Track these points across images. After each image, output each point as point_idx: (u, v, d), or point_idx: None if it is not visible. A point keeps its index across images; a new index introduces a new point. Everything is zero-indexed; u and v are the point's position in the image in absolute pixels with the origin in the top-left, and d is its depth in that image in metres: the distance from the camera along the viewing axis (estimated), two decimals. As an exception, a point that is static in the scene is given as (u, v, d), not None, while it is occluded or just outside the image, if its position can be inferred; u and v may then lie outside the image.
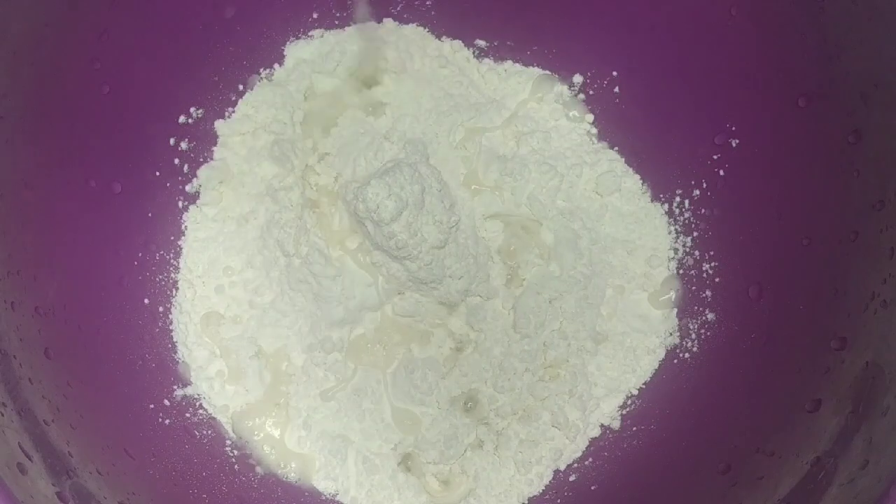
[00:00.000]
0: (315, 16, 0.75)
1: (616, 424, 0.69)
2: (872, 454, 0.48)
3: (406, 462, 0.67)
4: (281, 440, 0.67)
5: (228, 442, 0.67)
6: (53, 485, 0.49)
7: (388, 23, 0.76)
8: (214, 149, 0.73)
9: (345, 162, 0.72)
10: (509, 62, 0.77)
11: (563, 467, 0.68)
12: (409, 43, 0.75)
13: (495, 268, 0.71)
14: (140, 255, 0.69)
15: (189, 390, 0.67)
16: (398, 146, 0.71)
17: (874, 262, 0.55)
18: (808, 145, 0.62)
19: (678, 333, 0.70)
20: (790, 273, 0.63)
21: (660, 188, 0.73)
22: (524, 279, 0.70)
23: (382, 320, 0.70)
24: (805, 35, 0.60)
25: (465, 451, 0.67)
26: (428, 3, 0.76)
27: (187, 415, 0.66)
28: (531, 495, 0.67)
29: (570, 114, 0.76)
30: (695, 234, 0.71)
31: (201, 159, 0.73)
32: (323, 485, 0.66)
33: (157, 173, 0.70)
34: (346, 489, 0.66)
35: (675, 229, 0.72)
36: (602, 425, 0.69)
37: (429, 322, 0.69)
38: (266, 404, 0.67)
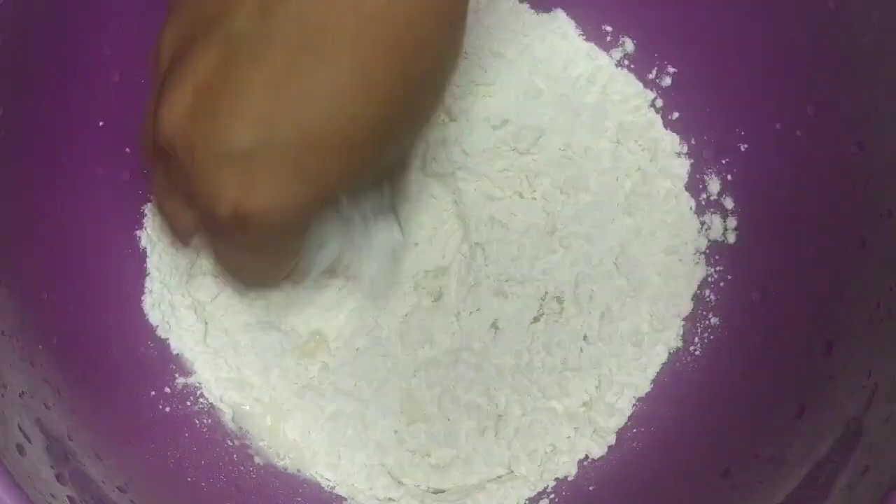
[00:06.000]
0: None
1: (616, 426, 0.69)
2: (873, 460, 0.48)
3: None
4: (280, 430, 0.67)
5: (228, 432, 0.67)
6: (52, 467, 0.49)
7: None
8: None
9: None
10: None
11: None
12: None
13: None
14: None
15: (190, 379, 0.67)
16: None
17: (881, 270, 0.55)
18: (818, 152, 0.62)
19: (681, 337, 0.70)
20: (795, 279, 0.63)
21: (667, 191, 0.73)
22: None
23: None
24: (817, 42, 0.60)
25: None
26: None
27: (188, 403, 0.66)
28: (529, 496, 0.67)
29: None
30: (700, 237, 0.71)
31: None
32: (320, 476, 0.66)
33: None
34: (344, 480, 0.66)
35: (681, 233, 0.72)
36: (602, 426, 0.69)
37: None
38: (266, 394, 0.67)
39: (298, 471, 0.66)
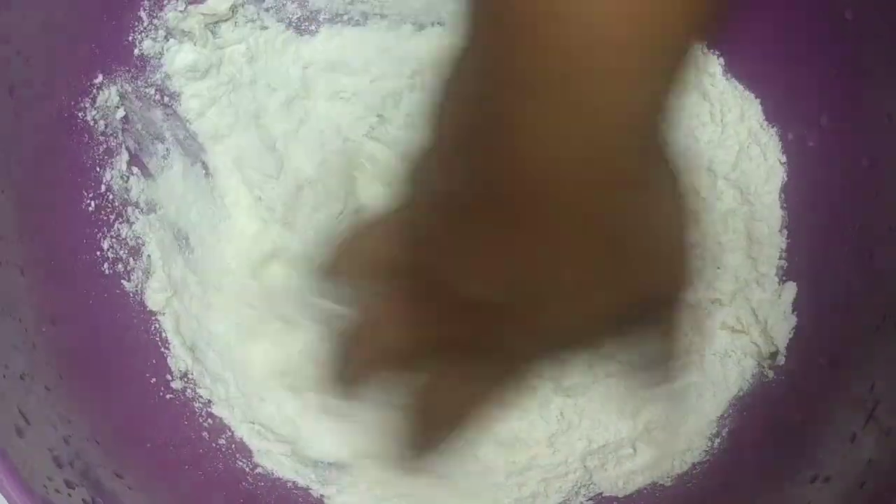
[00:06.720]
0: None
1: (616, 431, 0.69)
2: (871, 475, 0.48)
3: None
4: (279, 423, 0.67)
5: (227, 423, 0.67)
6: (50, 450, 0.49)
7: None
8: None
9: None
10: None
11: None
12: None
13: None
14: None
15: (191, 368, 0.67)
16: None
17: (888, 284, 0.55)
18: (829, 163, 0.62)
19: (691, 345, 0.69)
20: (800, 289, 0.63)
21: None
22: None
23: None
24: (833, 52, 0.60)
25: None
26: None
27: (187, 393, 0.66)
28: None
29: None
30: (710, 253, 0.71)
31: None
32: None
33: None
34: (340, 483, 0.66)
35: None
36: (602, 430, 0.68)
37: None
38: (265, 387, 0.67)
39: (295, 465, 0.66)
